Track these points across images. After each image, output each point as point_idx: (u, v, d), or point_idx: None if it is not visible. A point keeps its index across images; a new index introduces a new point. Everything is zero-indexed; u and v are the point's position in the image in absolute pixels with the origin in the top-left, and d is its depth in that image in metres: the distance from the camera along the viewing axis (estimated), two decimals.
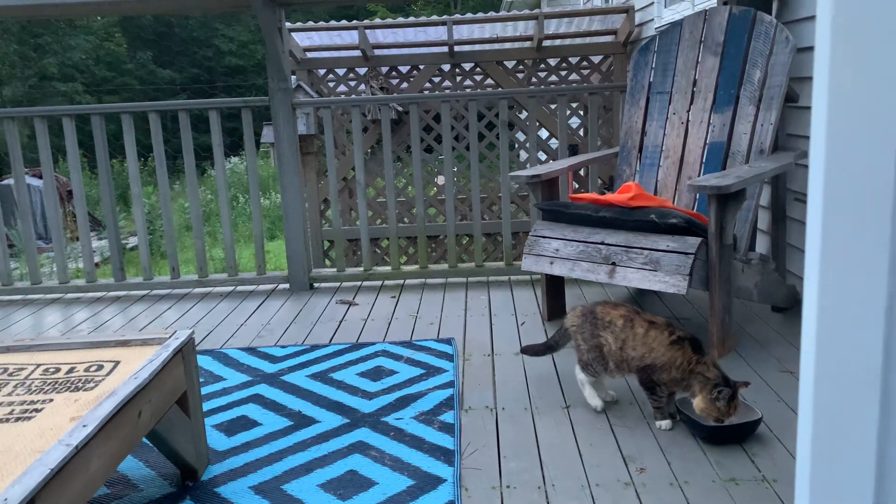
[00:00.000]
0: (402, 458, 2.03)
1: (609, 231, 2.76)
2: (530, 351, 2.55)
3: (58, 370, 1.79)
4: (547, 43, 6.43)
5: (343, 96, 6.59)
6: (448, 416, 2.28)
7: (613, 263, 2.67)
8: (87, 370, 1.78)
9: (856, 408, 0.54)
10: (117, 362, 1.82)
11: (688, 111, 3.23)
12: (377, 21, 7.13)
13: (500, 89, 6.33)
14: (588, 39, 6.54)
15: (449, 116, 3.88)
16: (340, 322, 3.32)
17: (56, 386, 1.70)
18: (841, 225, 0.53)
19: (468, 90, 6.62)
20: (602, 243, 2.73)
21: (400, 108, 6.46)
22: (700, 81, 3.20)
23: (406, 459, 2.02)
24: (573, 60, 6.48)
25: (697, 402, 2.04)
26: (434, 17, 7.29)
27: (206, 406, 2.40)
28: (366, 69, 6.53)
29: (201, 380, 2.63)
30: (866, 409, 0.54)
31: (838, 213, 0.53)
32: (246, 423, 2.30)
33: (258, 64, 22.35)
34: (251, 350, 2.97)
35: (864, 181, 0.52)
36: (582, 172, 6.30)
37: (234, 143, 14.38)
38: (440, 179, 7.57)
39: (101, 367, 1.79)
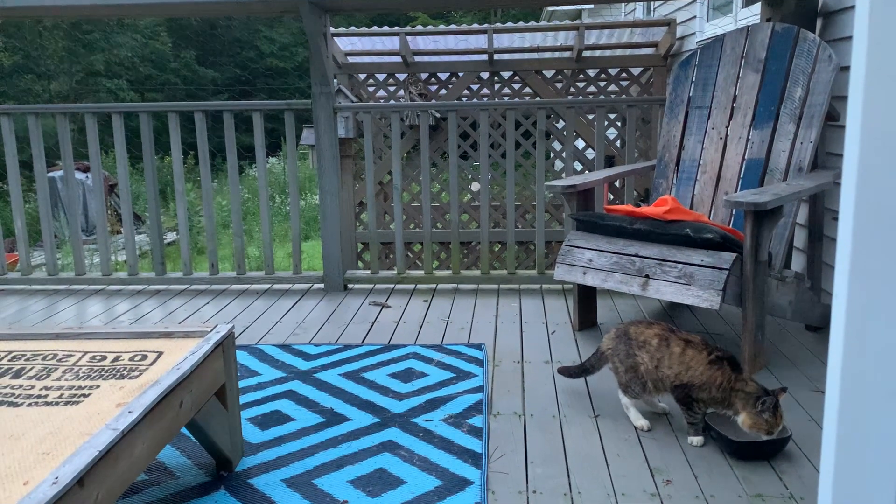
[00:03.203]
0: (430, 458, 2.07)
1: (643, 244, 2.77)
2: (566, 373, 2.55)
3: (104, 358, 1.86)
4: (587, 54, 6.44)
5: (382, 101, 6.67)
6: (477, 420, 2.31)
7: (647, 276, 2.68)
8: (131, 359, 1.85)
9: (880, 423, 0.56)
10: (160, 353, 1.89)
11: (727, 126, 3.23)
12: (419, 28, 7.20)
13: (538, 99, 6.35)
14: (628, 51, 6.54)
15: (487, 124, 3.91)
16: (373, 323, 3.38)
17: (102, 373, 1.76)
18: (871, 241, 0.55)
19: (506, 98, 6.66)
20: (636, 255, 2.75)
21: (438, 115, 6.51)
22: (740, 97, 3.20)
23: (434, 460, 2.06)
24: (612, 72, 6.48)
25: (744, 420, 2.03)
26: (475, 26, 7.35)
27: (242, 400, 2.46)
28: (405, 75, 6.61)
29: (238, 374, 2.70)
30: (891, 424, 0.56)
31: (869, 230, 0.55)
32: (279, 418, 2.35)
33: (299, 66, 22.63)
34: (286, 347, 3.03)
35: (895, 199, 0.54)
36: (618, 184, 6.29)
37: (272, 144, 14.57)
38: (475, 186, 7.61)
39: (144, 357, 1.86)
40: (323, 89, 3.77)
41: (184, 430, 2.04)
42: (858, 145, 0.58)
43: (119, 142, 3.94)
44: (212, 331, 1.99)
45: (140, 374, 1.75)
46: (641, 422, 2.25)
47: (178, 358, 1.81)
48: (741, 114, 3.19)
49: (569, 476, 1.98)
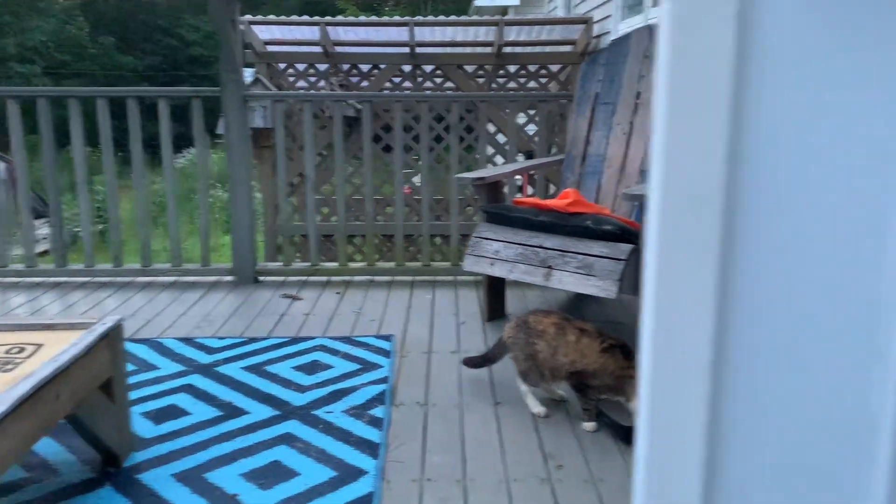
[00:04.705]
0: (326, 450, 2.05)
1: (547, 235, 2.81)
2: (469, 363, 2.57)
3: None
4: (507, 49, 6.49)
5: (301, 91, 6.56)
6: (378, 411, 2.30)
7: (550, 267, 2.72)
8: (7, 352, 1.77)
9: (686, 402, 0.59)
10: (40, 345, 1.81)
11: (630, 122, 3.31)
12: (339, 18, 7.13)
13: (450, 92, 6.36)
14: (548, 48, 6.62)
15: (401, 117, 3.90)
16: (282, 316, 3.33)
17: None
18: (674, 226, 0.57)
19: (427, 92, 6.65)
20: (540, 247, 2.79)
21: (359, 107, 6.46)
22: (643, 94, 3.29)
23: (331, 452, 2.04)
24: (532, 68, 6.55)
25: (634, 405, 2.10)
26: (396, 18, 7.31)
27: (137, 394, 2.39)
28: (327, 66, 6.52)
29: (134, 368, 2.62)
30: (696, 405, 0.59)
31: (673, 214, 0.57)
32: (175, 412, 2.29)
33: None
34: (188, 340, 2.96)
35: (695, 187, 0.57)
36: (537, 177, 6.37)
37: (189, 135, 14.19)
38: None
39: (22, 350, 1.78)
40: (232, 76, 3.68)
41: (72, 426, 1.97)
42: (665, 130, 0.60)
43: (15, 128, 3.76)
44: (97, 322, 1.92)
45: (15, 367, 1.68)
46: (539, 409, 2.29)
47: (57, 350, 1.74)
48: (644, 110, 3.28)
49: (464, 463, 2.00)
